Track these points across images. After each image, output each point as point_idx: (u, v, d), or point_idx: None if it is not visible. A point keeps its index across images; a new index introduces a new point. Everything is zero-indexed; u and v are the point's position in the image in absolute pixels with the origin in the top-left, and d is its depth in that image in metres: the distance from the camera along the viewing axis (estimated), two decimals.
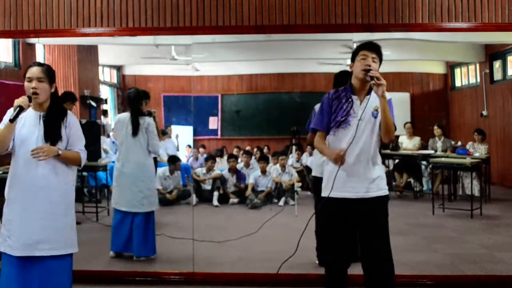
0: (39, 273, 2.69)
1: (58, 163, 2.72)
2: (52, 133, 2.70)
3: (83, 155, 2.84)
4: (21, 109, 2.57)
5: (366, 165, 2.74)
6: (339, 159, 2.73)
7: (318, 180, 3.86)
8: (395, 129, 2.73)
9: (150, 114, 5.00)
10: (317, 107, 3.99)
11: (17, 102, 2.58)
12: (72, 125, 2.80)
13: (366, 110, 2.72)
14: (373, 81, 2.61)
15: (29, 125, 2.70)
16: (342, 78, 3.61)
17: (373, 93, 2.70)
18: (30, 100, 2.63)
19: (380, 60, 2.76)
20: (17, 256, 2.66)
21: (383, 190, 2.77)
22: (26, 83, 2.68)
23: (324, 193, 2.83)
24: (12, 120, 2.57)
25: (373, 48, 2.74)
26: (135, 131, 4.27)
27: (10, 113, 2.64)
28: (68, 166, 2.79)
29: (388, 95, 2.72)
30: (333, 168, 2.78)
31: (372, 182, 2.73)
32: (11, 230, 2.66)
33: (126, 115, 4.39)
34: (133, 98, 4.43)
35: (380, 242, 2.73)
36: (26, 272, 2.68)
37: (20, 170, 2.67)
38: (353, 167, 2.74)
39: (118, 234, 4.31)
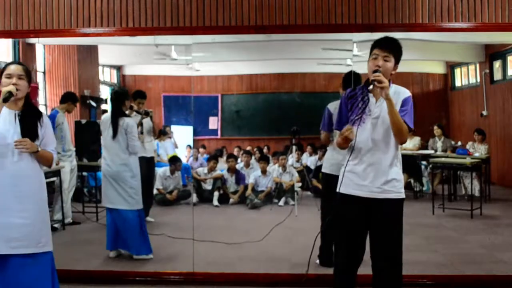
0: (15, 273, 2.65)
1: (31, 161, 2.73)
2: (29, 131, 2.72)
3: (55, 156, 2.87)
4: (11, 95, 2.62)
5: (381, 165, 2.64)
6: (347, 136, 2.62)
7: (328, 177, 3.87)
8: (410, 130, 2.63)
9: (147, 114, 5.00)
10: (330, 105, 3.98)
11: (6, 88, 2.63)
12: (47, 126, 2.83)
13: (382, 108, 2.65)
14: (371, 86, 2.58)
15: (4, 121, 2.70)
16: (350, 78, 3.60)
17: (391, 91, 2.62)
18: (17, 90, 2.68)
19: (397, 56, 2.66)
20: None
21: (398, 193, 2.66)
22: (4, 79, 2.70)
23: (338, 189, 2.78)
24: (5, 100, 2.60)
25: (385, 45, 2.64)
26: (113, 133, 4.28)
27: None
28: (40, 165, 2.80)
29: (408, 92, 2.68)
30: (348, 165, 2.73)
31: (387, 183, 2.64)
32: None
33: (109, 115, 4.40)
34: (113, 98, 4.43)
35: (392, 246, 2.67)
36: (10, 271, 2.64)
37: None
38: (368, 166, 2.67)
39: (110, 232, 4.33)
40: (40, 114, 2.84)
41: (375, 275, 2.72)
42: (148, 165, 5.27)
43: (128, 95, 4.52)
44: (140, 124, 5.22)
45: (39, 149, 2.71)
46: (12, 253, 2.64)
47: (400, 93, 2.67)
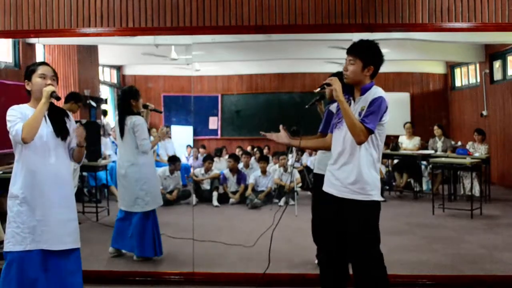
0: (61, 266, 2.76)
1: (67, 159, 2.84)
2: (62, 129, 2.81)
3: (84, 152, 2.95)
4: (55, 93, 2.71)
5: (353, 166, 2.68)
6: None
7: (318, 178, 3.89)
8: (370, 131, 2.60)
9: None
10: (332, 107, 4.00)
11: (48, 88, 2.68)
12: (72, 122, 2.92)
13: (355, 110, 2.71)
14: (318, 89, 2.71)
15: None
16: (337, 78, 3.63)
17: (367, 93, 2.71)
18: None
19: (365, 58, 2.68)
20: (41, 251, 2.71)
21: (367, 195, 2.67)
22: (38, 79, 2.73)
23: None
24: (59, 98, 2.71)
25: (349, 49, 2.73)
26: (120, 133, 4.25)
27: (15, 112, 2.69)
28: (69, 162, 2.90)
29: (379, 93, 2.66)
30: (329, 165, 2.84)
31: (356, 184, 2.67)
32: (36, 227, 2.69)
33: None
34: (119, 97, 4.44)
35: (362, 247, 2.67)
36: (50, 267, 2.74)
37: (35, 165, 2.71)
38: (341, 166, 2.73)
39: (118, 231, 4.34)
40: (64, 110, 2.93)
41: (353, 275, 2.74)
42: None
43: (134, 93, 4.34)
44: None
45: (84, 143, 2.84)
46: (64, 248, 2.76)
47: (373, 94, 2.69)
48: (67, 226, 2.79)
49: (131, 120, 4.22)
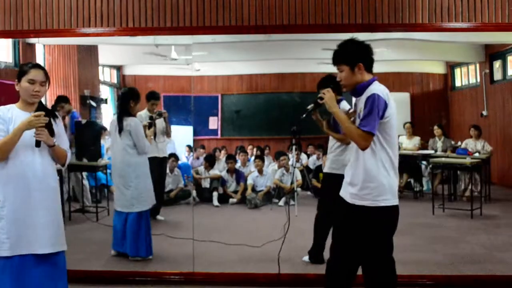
0: (42, 271, 2.67)
1: (49, 160, 2.74)
2: (46, 129, 2.69)
3: (69, 155, 2.86)
4: (39, 144, 2.65)
5: (357, 169, 2.58)
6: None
7: (329, 177, 3.89)
8: (370, 134, 2.47)
9: (160, 115, 4.98)
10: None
11: (36, 135, 2.60)
12: (59, 124, 2.83)
13: (356, 110, 2.66)
14: (311, 105, 2.75)
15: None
16: (326, 82, 3.58)
17: (364, 93, 2.56)
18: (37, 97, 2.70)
19: (347, 60, 2.57)
20: (22, 256, 2.62)
21: (371, 201, 2.53)
22: (27, 84, 2.66)
23: None
24: (37, 145, 2.65)
25: (332, 59, 2.65)
26: (119, 131, 4.28)
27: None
28: (54, 164, 2.81)
29: (372, 91, 2.50)
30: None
31: (361, 189, 2.55)
32: (11, 231, 2.60)
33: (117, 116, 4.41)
34: (120, 98, 4.47)
35: (367, 252, 2.60)
36: (27, 272, 2.64)
37: (17, 168, 2.64)
38: (353, 170, 2.64)
39: (116, 233, 4.34)
40: (52, 112, 2.85)
41: (363, 278, 2.69)
42: (161, 165, 5.28)
43: (133, 94, 4.39)
44: (154, 125, 5.19)
45: (55, 143, 2.71)
46: (49, 251, 2.67)
47: (367, 93, 2.54)
48: (51, 229, 2.69)
49: (126, 121, 4.25)
